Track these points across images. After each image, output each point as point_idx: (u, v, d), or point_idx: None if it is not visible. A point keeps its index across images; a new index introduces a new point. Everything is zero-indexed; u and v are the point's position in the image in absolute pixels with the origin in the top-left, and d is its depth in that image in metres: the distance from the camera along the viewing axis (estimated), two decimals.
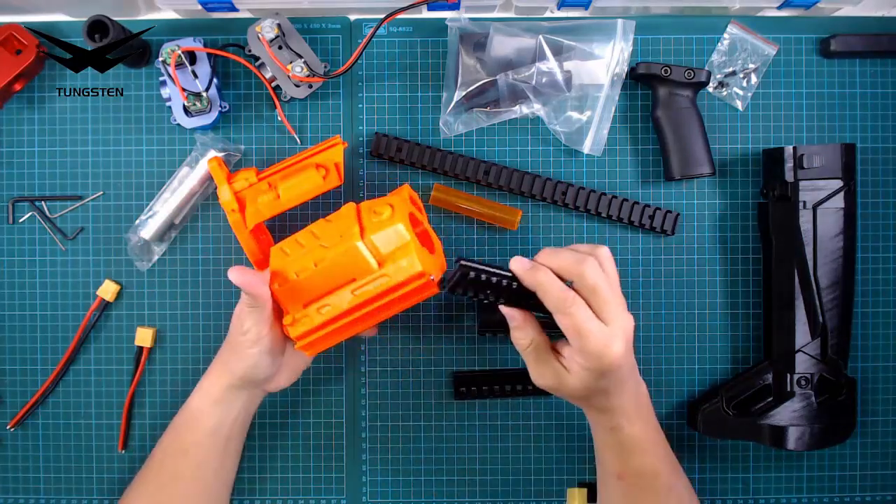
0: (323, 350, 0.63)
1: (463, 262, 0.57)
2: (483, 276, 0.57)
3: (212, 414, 0.63)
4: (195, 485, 0.64)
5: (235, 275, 0.57)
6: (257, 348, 0.60)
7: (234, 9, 0.69)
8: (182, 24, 0.72)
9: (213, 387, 0.63)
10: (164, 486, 0.63)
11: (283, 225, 0.72)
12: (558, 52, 0.68)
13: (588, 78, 0.69)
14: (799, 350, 0.67)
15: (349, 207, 0.62)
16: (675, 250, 0.72)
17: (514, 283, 0.58)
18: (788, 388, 0.67)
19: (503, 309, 0.60)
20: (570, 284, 0.58)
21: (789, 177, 0.67)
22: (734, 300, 0.72)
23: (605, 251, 0.59)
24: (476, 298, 0.59)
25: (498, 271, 0.58)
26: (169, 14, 0.73)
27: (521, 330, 0.60)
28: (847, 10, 0.72)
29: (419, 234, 0.63)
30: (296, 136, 0.71)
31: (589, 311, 0.56)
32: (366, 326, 0.62)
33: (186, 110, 0.68)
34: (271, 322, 0.60)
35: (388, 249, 0.58)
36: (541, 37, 0.67)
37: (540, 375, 0.61)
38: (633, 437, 0.61)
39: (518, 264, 0.58)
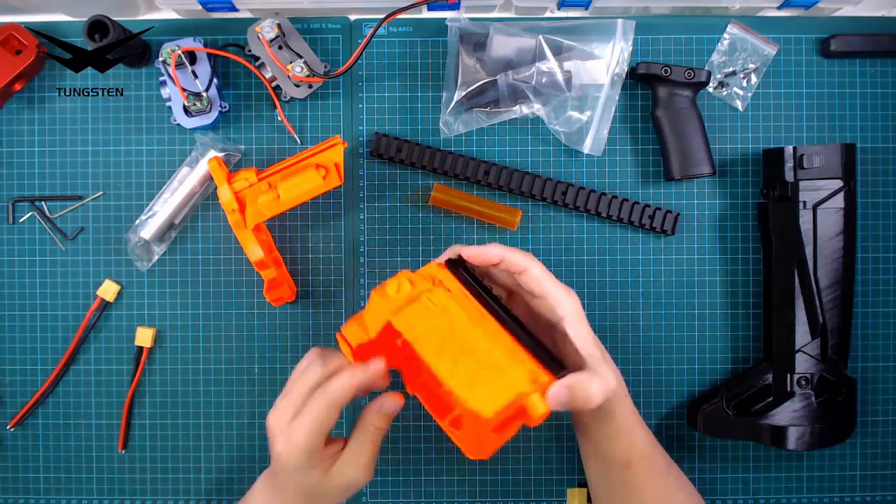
0: None
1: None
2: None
3: None
4: None
5: (387, 410, 0.59)
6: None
7: (234, 9, 0.69)
8: (182, 24, 0.72)
9: None
10: None
11: (283, 225, 0.72)
12: (558, 52, 0.68)
13: (588, 78, 0.69)
14: (799, 350, 0.67)
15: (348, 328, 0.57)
16: (675, 250, 0.72)
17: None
18: (788, 388, 0.67)
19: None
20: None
21: (789, 177, 0.67)
22: (734, 300, 0.72)
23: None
24: None
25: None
26: (169, 14, 0.73)
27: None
28: (847, 10, 0.72)
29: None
30: (296, 136, 0.71)
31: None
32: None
33: (186, 110, 0.68)
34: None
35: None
36: (541, 37, 0.67)
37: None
38: (627, 419, 0.60)
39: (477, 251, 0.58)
